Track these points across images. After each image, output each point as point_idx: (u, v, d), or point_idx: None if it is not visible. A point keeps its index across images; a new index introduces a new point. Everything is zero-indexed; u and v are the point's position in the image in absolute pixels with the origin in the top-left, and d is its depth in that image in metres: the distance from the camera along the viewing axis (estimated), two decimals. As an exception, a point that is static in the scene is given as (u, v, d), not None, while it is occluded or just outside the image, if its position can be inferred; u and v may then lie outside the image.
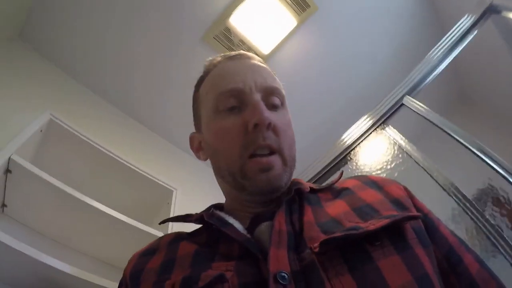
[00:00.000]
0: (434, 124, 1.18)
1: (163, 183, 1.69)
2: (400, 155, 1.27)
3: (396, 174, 1.25)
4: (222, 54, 0.63)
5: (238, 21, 1.70)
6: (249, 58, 0.60)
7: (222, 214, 0.51)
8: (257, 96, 0.52)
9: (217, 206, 0.60)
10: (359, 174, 1.38)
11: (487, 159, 1.04)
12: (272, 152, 0.50)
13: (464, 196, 1.05)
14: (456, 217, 1.01)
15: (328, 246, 0.39)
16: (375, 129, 1.39)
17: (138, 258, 0.54)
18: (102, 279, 1.06)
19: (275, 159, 0.49)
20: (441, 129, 1.16)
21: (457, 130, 1.13)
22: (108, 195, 1.53)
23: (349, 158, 1.45)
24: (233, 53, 0.61)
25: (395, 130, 1.32)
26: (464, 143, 1.10)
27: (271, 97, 0.55)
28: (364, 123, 1.43)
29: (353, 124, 1.47)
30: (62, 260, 0.98)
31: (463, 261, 0.46)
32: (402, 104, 1.32)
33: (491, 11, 1.33)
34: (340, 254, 0.39)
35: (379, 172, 1.31)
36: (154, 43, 1.77)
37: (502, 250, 0.86)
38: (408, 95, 1.31)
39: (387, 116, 1.37)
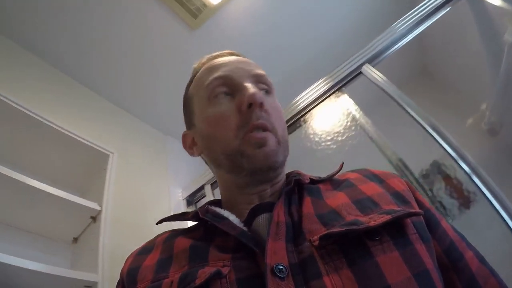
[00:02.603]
0: (390, 96, 1.11)
1: (97, 147, 1.49)
2: (353, 127, 1.21)
3: (346, 148, 1.20)
4: (207, 55, 0.64)
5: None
6: (232, 54, 0.62)
7: (218, 209, 0.51)
8: (247, 81, 0.53)
9: (214, 202, 0.59)
10: (309, 141, 1.32)
11: (438, 137, 1.00)
12: (266, 130, 0.50)
13: (411, 173, 1.02)
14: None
15: (328, 240, 0.39)
16: (330, 95, 1.31)
17: (134, 257, 0.53)
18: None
19: (269, 135, 0.50)
20: (397, 102, 1.10)
21: (412, 105, 1.07)
22: (34, 163, 1.34)
23: (299, 124, 1.36)
24: (217, 52, 0.63)
25: (350, 100, 1.24)
26: (418, 118, 1.04)
27: (259, 84, 0.56)
28: (319, 87, 1.33)
29: (308, 87, 1.37)
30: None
31: (464, 258, 0.46)
32: (360, 73, 1.23)
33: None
34: (339, 248, 0.39)
35: (329, 143, 1.25)
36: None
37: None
38: (369, 63, 1.21)
39: (343, 83, 1.28)
